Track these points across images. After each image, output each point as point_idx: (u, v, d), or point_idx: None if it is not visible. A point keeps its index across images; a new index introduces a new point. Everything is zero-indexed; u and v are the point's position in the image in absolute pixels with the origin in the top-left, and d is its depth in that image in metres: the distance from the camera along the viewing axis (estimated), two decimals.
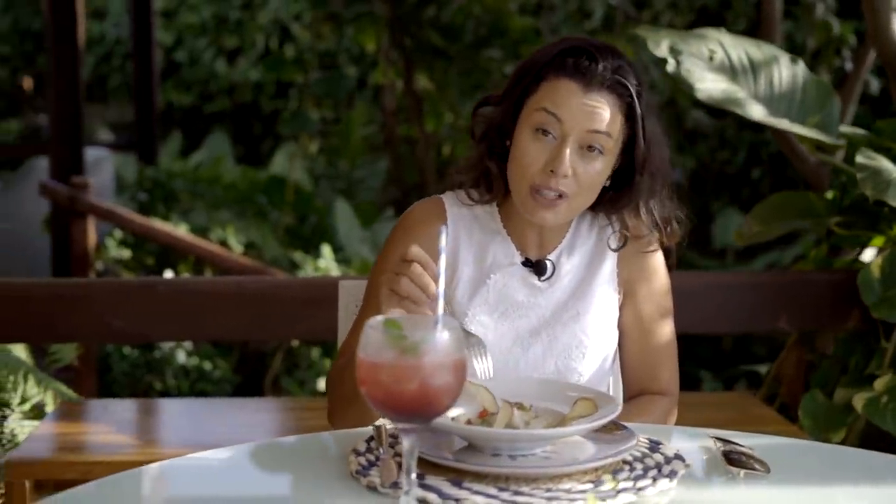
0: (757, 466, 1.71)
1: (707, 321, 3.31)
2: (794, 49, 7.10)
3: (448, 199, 2.20)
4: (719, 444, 1.80)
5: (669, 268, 2.27)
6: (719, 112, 7.44)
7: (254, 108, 12.33)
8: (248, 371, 6.03)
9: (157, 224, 5.97)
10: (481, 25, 7.61)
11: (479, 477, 1.65)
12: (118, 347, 5.82)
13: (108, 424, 3.14)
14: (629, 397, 2.26)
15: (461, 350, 1.49)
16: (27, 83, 13.60)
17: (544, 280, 2.16)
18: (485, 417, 1.78)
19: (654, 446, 1.80)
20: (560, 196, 2.04)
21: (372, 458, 1.73)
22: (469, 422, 1.78)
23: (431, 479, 1.64)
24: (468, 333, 1.90)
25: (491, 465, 1.66)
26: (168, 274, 5.92)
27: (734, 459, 1.73)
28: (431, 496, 1.58)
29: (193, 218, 6.79)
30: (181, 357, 5.74)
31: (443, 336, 1.47)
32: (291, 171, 7.83)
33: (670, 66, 3.09)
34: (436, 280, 1.75)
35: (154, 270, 6.12)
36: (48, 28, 6.57)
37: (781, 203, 3.39)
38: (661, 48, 3.12)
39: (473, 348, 1.87)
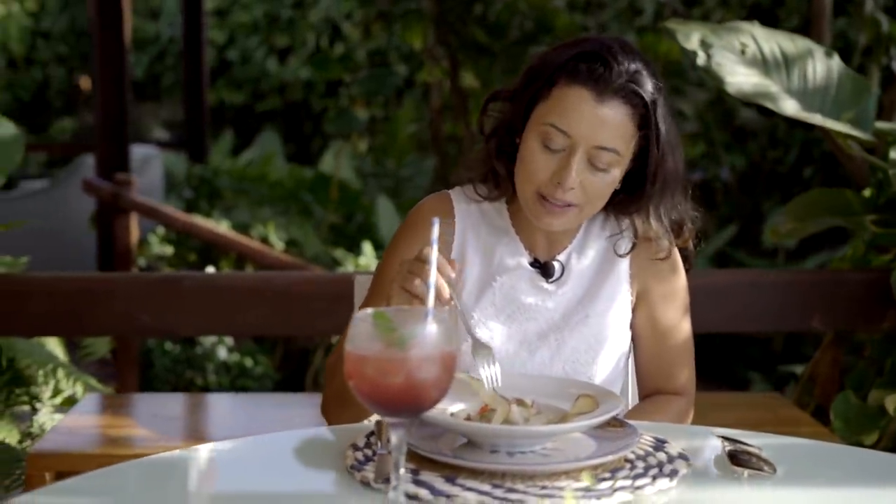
0: (762, 467, 1.67)
1: (738, 319, 3.25)
2: (847, 46, 6.99)
3: (456, 194, 2.16)
4: (726, 443, 1.75)
5: (688, 268, 2.22)
6: (770, 110, 7.35)
7: (304, 106, 12.36)
8: (292, 368, 6.04)
9: (199, 221, 5.99)
10: (526, 22, 7.56)
11: (476, 474, 1.62)
12: (160, 343, 5.85)
13: (134, 418, 3.14)
14: (644, 397, 2.22)
15: (450, 343, 1.46)
16: (84, 82, 13.73)
17: (552, 282, 2.12)
18: (485, 413, 1.75)
19: (659, 445, 1.76)
20: (567, 205, 1.99)
21: (369, 453, 1.71)
22: (468, 418, 1.75)
23: (426, 475, 1.62)
24: (477, 341, 1.85)
25: (487, 461, 1.64)
26: (209, 270, 5.94)
27: (740, 459, 1.69)
28: (423, 492, 1.56)
29: (236, 215, 6.81)
30: (222, 353, 5.76)
31: (430, 329, 1.45)
32: (337, 169, 7.83)
33: (700, 60, 3.04)
34: (449, 280, 1.72)
35: (196, 267, 6.15)
36: (95, 27, 6.61)
37: (818, 200, 3.33)
38: (692, 41, 3.07)
39: (480, 356, 1.83)
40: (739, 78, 3.05)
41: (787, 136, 8.41)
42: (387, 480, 1.58)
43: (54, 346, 3.99)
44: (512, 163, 2.05)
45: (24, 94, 13.38)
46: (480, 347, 1.83)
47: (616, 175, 2.00)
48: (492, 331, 2.07)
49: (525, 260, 2.11)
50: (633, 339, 2.18)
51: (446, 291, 1.77)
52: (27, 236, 7.48)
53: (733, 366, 6.82)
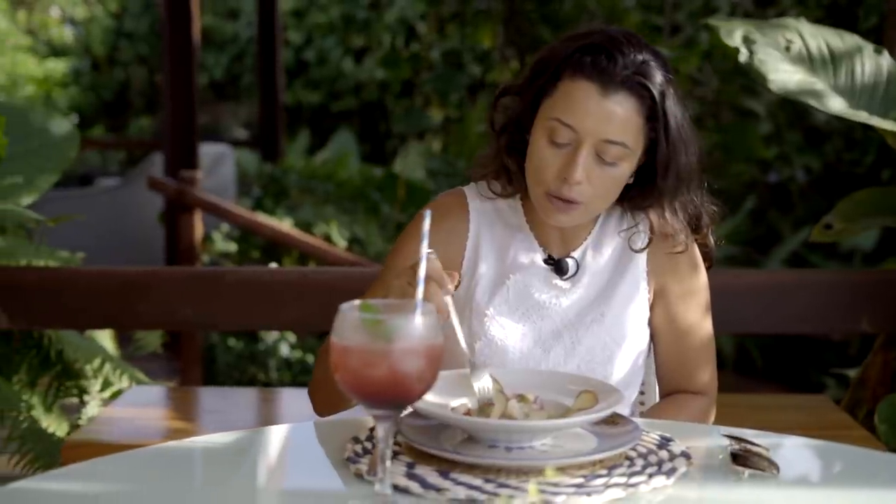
0: (764, 467, 1.64)
1: (784, 320, 3.19)
2: None
3: (471, 191, 2.14)
4: (732, 443, 1.73)
5: (709, 265, 2.19)
6: None
7: (380, 106, 12.42)
8: None
9: (262, 218, 6.04)
10: (595, 21, 7.53)
11: (471, 468, 1.61)
12: (223, 339, 5.92)
13: (174, 410, 3.18)
14: (664, 396, 2.19)
15: (436, 336, 1.46)
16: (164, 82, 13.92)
17: (567, 279, 2.10)
18: (484, 408, 1.74)
19: (663, 443, 1.74)
20: (575, 201, 1.97)
21: (368, 446, 1.71)
22: (468, 412, 1.74)
23: (421, 469, 1.62)
24: (473, 363, 1.82)
25: (484, 456, 1.62)
26: (272, 265, 5.99)
27: (742, 459, 1.66)
28: (414, 485, 1.56)
29: (301, 213, 6.86)
30: (285, 349, 5.81)
31: (416, 321, 1.44)
32: (404, 168, 7.86)
33: (743, 57, 3.00)
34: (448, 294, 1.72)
35: (259, 263, 6.20)
36: (164, 27, 6.70)
37: (866, 200, 3.26)
38: (735, 38, 3.03)
39: (476, 377, 1.81)
40: (783, 75, 3.00)
41: (865, 138, 8.27)
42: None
43: (106, 340, 4.06)
44: (523, 158, 2.03)
45: (106, 93, 13.61)
46: (476, 369, 1.80)
47: (625, 169, 1.98)
48: (505, 329, 2.05)
49: (539, 257, 2.09)
50: (652, 337, 2.15)
51: (446, 309, 1.73)
52: (101, 231, 7.64)
53: (807, 370, 6.73)
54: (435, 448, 1.63)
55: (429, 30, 11.42)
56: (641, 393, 2.33)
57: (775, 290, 3.18)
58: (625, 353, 2.07)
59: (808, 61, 3.08)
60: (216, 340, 5.90)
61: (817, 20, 8.36)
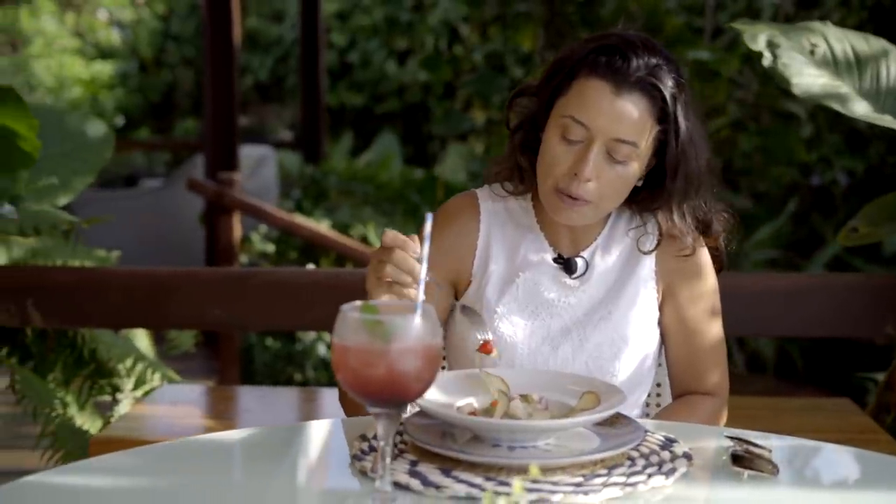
0: (765, 468, 1.66)
1: (809, 324, 3.19)
2: None
3: (483, 193, 2.19)
4: (734, 444, 1.74)
5: (719, 269, 2.21)
6: None
7: (422, 108, 12.47)
8: None
9: (300, 220, 6.10)
10: (636, 23, 7.52)
11: (473, 467, 1.63)
12: (261, 339, 5.98)
13: (202, 408, 3.23)
14: (676, 397, 2.21)
15: (433, 336, 1.49)
16: None
17: (576, 278, 2.12)
18: (489, 408, 1.77)
19: (667, 444, 1.76)
20: (584, 199, 2.00)
21: (375, 444, 1.74)
22: (473, 412, 1.77)
23: (423, 466, 1.65)
24: (468, 310, 1.86)
25: (487, 455, 1.65)
26: (310, 266, 6.04)
27: (742, 460, 1.68)
28: (414, 482, 1.58)
29: (340, 215, 6.91)
30: (322, 349, 5.86)
31: (414, 322, 1.47)
32: (446, 170, 7.90)
33: (766, 61, 3.00)
34: (419, 263, 1.75)
35: (297, 264, 6.26)
36: (205, 30, 6.77)
37: (892, 203, 3.26)
38: (759, 42, 3.03)
39: (474, 322, 1.85)
40: (807, 79, 3.01)
41: None
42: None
43: (142, 339, 4.12)
44: (536, 157, 2.07)
45: (153, 95, 13.75)
46: (475, 318, 1.84)
47: (634, 169, 2.01)
48: (515, 326, 2.09)
49: (549, 256, 2.13)
50: (662, 338, 2.17)
51: (418, 268, 1.75)
52: (143, 232, 7.74)
53: (849, 374, 6.71)
54: (438, 447, 1.66)
55: (471, 32, 11.46)
56: (658, 395, 2.35)
57: (800, 294, 3.18)
58: (632, 352, 2.09)
59: (833, 65, 3.08)
60: (254, 341, 5.95)
61: (861, 22, 8.32)
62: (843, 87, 3.06)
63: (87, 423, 3.59)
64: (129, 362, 3.60)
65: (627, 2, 7.59)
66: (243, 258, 6.14)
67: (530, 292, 2.11)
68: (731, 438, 1.76)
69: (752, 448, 1.71)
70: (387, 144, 11.78)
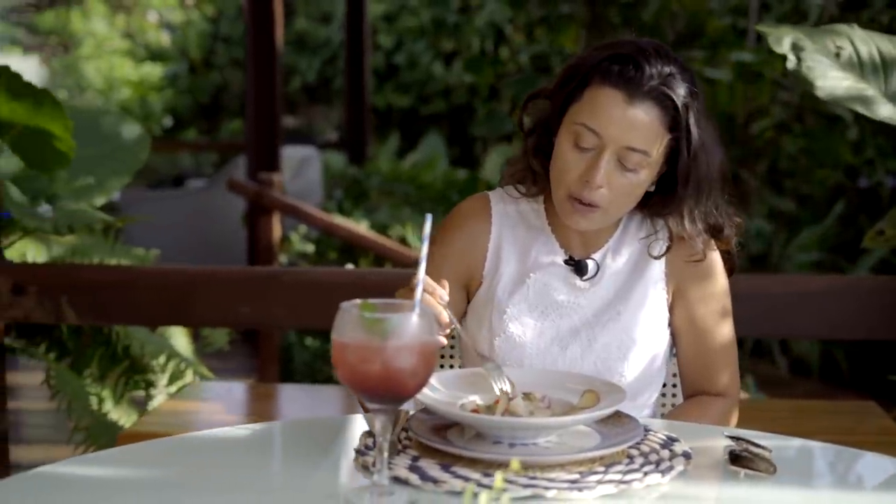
0: (762, 468, 1.68)
1: (833, 326, 3.19)
2: None
3: (495, 195, 2.22)
4: (734, 443, 1.76)
5: (731, 272, 2.22)
6: None
7: (468, 109, 12.50)
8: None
9: (339, 220, 6.15)
10: (678, 25, 7.51)
11: (473, 463, 1.66)
12: (300, 338, 6.04)
13: (229, 404, 3.28)
14: (687, 398, 2.23)
15: (430, 334, 1.52)
16: None
17: (586, 280, 2.15)
18: (491, 405, 1.80)
19: (668, 443, 1.78)
20: (594, 205, 2.02)
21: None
22: (476, 409, 1.80)
23: (424, 462, 1.68)
24: (483, 357, 1.89)
25: (487, 452, 1.68)
26: (349, 267, 6.10)
27: (740, 459, 1.70)
28: (413, 476, 1.62)
29: (379, 215, 6.96)
30: None
31: (411, 320, 1.51)
32: (491, 172, 7.92)
33: (790, 63, 3.00)
34: (443, 303, 1.80)
35: (336, 265, 6.31)
36: (248, 31, 6.84)
37: None
38: (784, 45, 3.04)
39: (490, 372, 1.87)
40: (831, 82, 3.00)
41: None
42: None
43: (179, 336, 4.18)
44: (548, 160, 2.10)
45: (202, 96, 13.89)
46: (490, 367, 1.86)
47: (645, 177, 2.03)
48: (525, 326, 2.11)
49: (560, 258, 2.15)
50: (673, 340, 2.19)
51: (445, 316, 1.80)
52: (188, 231, 7.83)
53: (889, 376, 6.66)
54: (439, 443, 1.69)
55: (517, 33, 11.48)
56: (674, 396, 2.37)
57: (824, 296, 3.18)
58: (640, 352, 2.11)
59: (859, 67, 3.08)
60: (293, 339, 6.01)
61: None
62: (869, 90, 3.05)
63: (123, 418, 3.66)
64: (162, 359, 3.66)
65: (670, 3, 7.58)
66: (283, 258, 6.20)
67: (540, 293, 2.13)
68: (732, 438, 1.78)
69: (751, 448, 1.73)
70: (432, 146, 11.83)
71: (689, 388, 2.22)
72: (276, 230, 5.96)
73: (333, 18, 13.44)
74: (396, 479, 1.61)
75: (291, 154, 8.95)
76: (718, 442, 1.83)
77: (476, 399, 1.84)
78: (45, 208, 3.50)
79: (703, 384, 2.20)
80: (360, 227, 6.32)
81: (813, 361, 7.30)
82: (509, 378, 1.86)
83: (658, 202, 2.11)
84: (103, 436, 3.43)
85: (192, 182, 9.64)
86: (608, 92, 1.99)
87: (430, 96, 12.74)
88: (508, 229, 2.18)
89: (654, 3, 7.64)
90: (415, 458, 1.70)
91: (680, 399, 2.33)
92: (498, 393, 1.82)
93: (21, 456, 4.07)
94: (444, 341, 1.87)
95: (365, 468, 1.67)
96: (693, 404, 2.19)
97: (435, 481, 1.60)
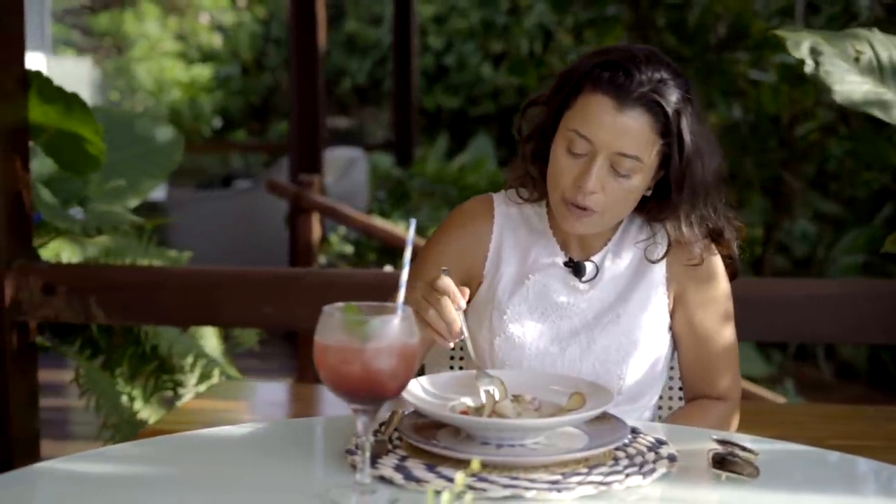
0: (744, 471, 1.69)
1: (853, 331, 3.19)
2: None
3: (499, 197, 2.25)
4: (719, 446, 1.78)
5: (733, 276, 2.24)
6: None
7: (517, 111, 12.45)
8: None
9: (377, 222, 6.19)
10: (721, 28, 7.49)
11: (459, 464, 1.69)
12: None
13: (253, 403, 3.34)
14: (688, 402, 2.25)
15: (410, 337, 1.56)
16: None
17: (585, 282, 2.17)
18: (480, 408, 1.83)
19: (655, 445, 1.80)
20: (589, 209, 2.05)
21: (371, 439, 1.81)
22: (465, 411, 1.83)
23: (411, 462, 1.71)
24: (480, 371, 1.92)
25: (472, 452, 1.70)
26: (387, 269, 6.14)
27: (723, 462, 1.71)
28: (397, 476, 1.65)
29: (419, 216, 7.00)
30: None
31: (390, 323, 1.55)
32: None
33: (808, 68, 3.00)
34: (460, 308, 1.85)
35: (375, 266, 6.36)
36: (292, 34, 6.91)
37: None
38: (802, 50, 3.03)
39: (478, 375, 1.90)
40: (849, 86, 2.99)
41: None
42: (372, 465, 1.69)
43: (210, 336, 4.25)
44: (546, 166, 2.12)
45: (255, 98, 14.01)
46: (484, 380, 1.89)
47: (639, 182, 2.05)
48: (524, 327, 2.14)
49: (559, 260, 2.18)
50: (674, 344, 2.21)
51: (458, 324, 1.85)
52: (234, 232, 7.91)
53: None
54: (425, 443, 1.73)
55: (565, 35, 11.48)
56: (678, 399, 2.39)
57: (843, 300, 3.18)
58: (640, 356, 2.13)
59: (878, 71, 3.07)
60: None
61: None
62: (888, 94, 3.04)
63: (152, 416, 3.72)
64: (190, 359, 3.72)
65: (714, 5, 7.56)
66: (322, 259, 6.26)
67: (540, 294, 2.16)
68: (720, 441, 1.79)
69: (738, 451, 1.74)
70: (481, 147, 11.85)
71: (689, 392, 2.24)
72: (316, 231, 6.02)
73: (383, 20, 13.51)
74: (382, 479, 1.65)
75: (338, 155, 9.03)
76: (706, 445, 1.85)
77: (467, 401, 1.87)
78: (76, 210, 3.57)
79: (703, 388, 2.21)
80: (399, 228, 6.36)
81: (859, 365, 7.26)
82: (503, 381, 1.89)
83: (655, 207, 2.13)
84: (131, 433, 3.50)
85: (239, 183, 9.74)
86: (598, 99, 2.02)
87: (479, 98, 12.78)
88: (510, 230, 2.21)
89: (698, 5, 7.63)
90: (402, 458, 1.73)
91: (681, 402, 2.34)
92: (483, 395, 1.85)
93: (52, 452, 4.15)
94: (451, 345, 1.91)
95: (353, 467, 1.71)
96: (693, 408, 2.21)
97: (418, 481, 1.64)
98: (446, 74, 12.95)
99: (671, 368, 2.31)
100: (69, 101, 3.39)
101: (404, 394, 1.79)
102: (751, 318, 3.13)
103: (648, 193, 2.11)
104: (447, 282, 1.87)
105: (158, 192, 9.30)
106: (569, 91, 2.07)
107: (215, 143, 11.98)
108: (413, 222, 1.68)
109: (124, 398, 3.68)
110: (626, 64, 2.01)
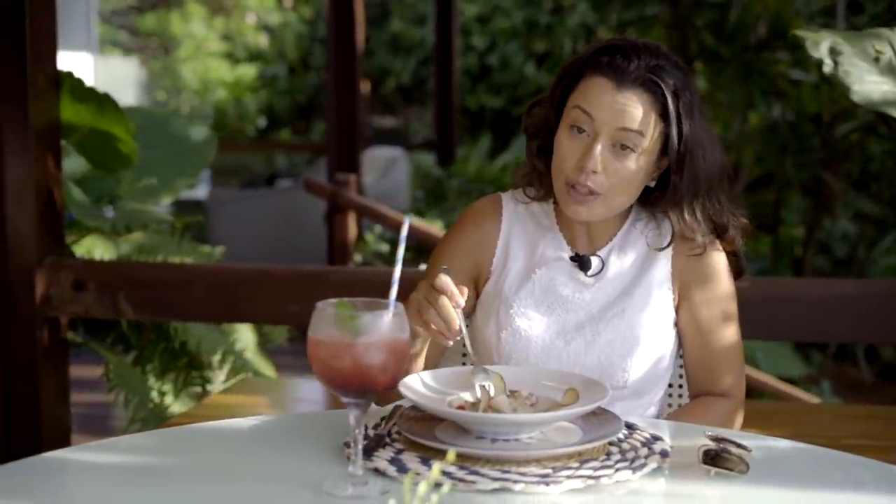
0: (734, 466, 1.71)
1: (872, 330, 3.19)
2: None
3: (507, 195, 2.29)
4: (711, 443, 1.80)
5: (739, 273, 2.26)
6: None
7: None
8: None
9: (412, 220, 6.24)
10: (760, 28, 7.47)
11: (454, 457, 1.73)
12: None
13: (277, 398, 3.39)
14: (692, 398, 2.28)
15: (400, 332, 1.60)
16: (364, 85, 14.34)
17: (591, 276, 2.20)
18: (476, 402, 1.86)
19: (650, 441, 1.83)
20: (592, 192, 2.08)
21: (371, 433, 1.85)
22: (462, 406, 1.87)
23: (406, 455, 1.75)
24: (477, 367, 1.96)
25: (467, 446, 1.74)
26: (422, 268, 6.18)
27: (713, 458, 1.74)
28: (391, 468, 1.69)
29: (455, 216, 7.04)
30: None
31: (381, 318, 1.59)
32: None
33: (827, 68, 3.00)
34: (458, 307, 1.90)
35: (411, 265, 6.40)
36: (330, 34, 6.97)
37: None
38: (821, 50, 3.04)
39: (475, 370, 1.94)
40: (868, 86, 3.00)
41: None
42: (368, 458, 1.73)
43: (245, 333, 4.31)
44: (551, 159, 2.17)
45: (301, 97, 14.11)
46: (479, 372, 1.93)
47: (641, 164, 2.08)
48: (531, 320, 2.18)
49: (566, 254, 2.22)
50: (680, 340, 2.24)
51: (456, 322, 1.90)
52: (276, 230, 7.99)
53: None
54: (422, 437, 1.77)
55: (608, 34, 11.48)
56: (681, 396, 2.41)
57: (863, 300, 3.18)
58: (644, 351, 2.16)
59: None
60: None
61: None
62: None
63: (183, 411, 3.78)
64: (218, 355, 3.78)
65: (754, 5, 7.54)
66: (358, 257, 6.31)
67: (546, 288, 2.20)
68: (713, 438, 1.82)
69: (730, 448, 1.77)
70: (523, 147, 11.84)
71: (694, 389, 2.27)
72: (352, 230, 6.08)
73: (427, 19, 13.57)
74: (377, 471, 1.69)
75: (378, 155, 9.10)
76: (697, 441, 1.87)
77: (466, 396, 1.91)
78: (108, 208, 3.64)
79: (707, 385, 2.24)
80: (434, 227, 6.40)
81: None
82: (502, 376, 1.93)
83: (658, 198, 2.16)
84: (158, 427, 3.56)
85: (281, 182, 9.83)
86: (598, 80, 2.07)
87: (523, 97, 12.79)
88: (518, 226, 2.26)
89: (737, 4, 7.61)
90: (399, 452, 1.77)
91: (687, 398, 2.36)
92: (478, 390, 1.89)
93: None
94: (450, 343, 1.96)
95: (349, 459, 1.75)
96: (697, 405, 2.23)
97: (409, 472, 1.67)
98: (489, 74, 12.99)
99: (680, 366, 2.33)
100: (101, 100, 3.47)
101: (403, 389, 1.83)
102: (770, 318, 3.15)
103: (652, 184, 2.15)
104: (445, 281, 1.91)
105: (201, 191, 9.41)
106: (570, 79, 2.12)
107: (259, 143, 12.08)
108: (407, 220, 1.72)
109: (154, 393, 3.74)
110: (626, 49, 2.08)
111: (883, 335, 3.24)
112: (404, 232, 1.71)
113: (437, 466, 1.37)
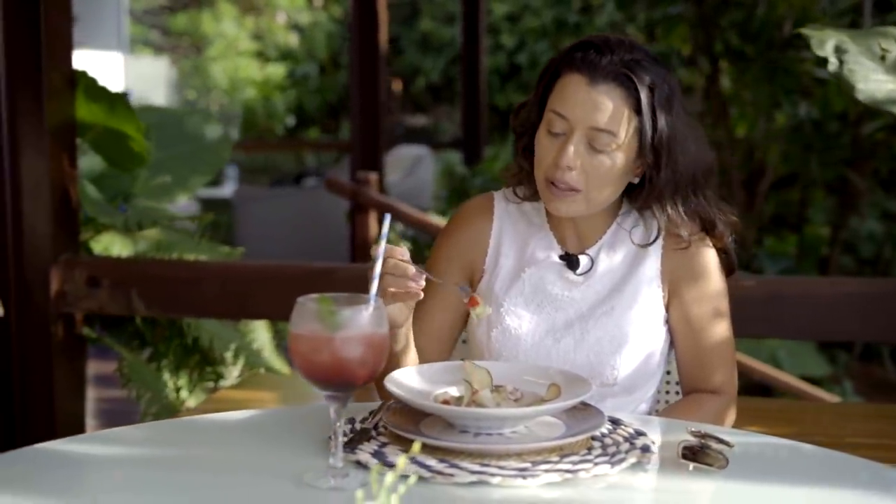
0: (714, 461, 1.73)
1: (882, 330, 3.19)
2: None
3: (499, 194, 2.32)
4: (693, 438, 1.81)
5: (730, 271, 2.27)
6: None
7: None
8: None
9: (432, 219, 6.26)
10: (785, 27, 7.44)
11: (434, 450, 1.74)
12: None
13: (285, 393, 3.43)
14: (684, 395, 2.29)
15: (379, 326, 1.62)
16: (396, 84, 14.40)
17: (580, 274, 2.22)
18: (461, 398, 1.89)
19: (633, 436, 1.84)
20: (572, 189, 2.10)
21: (358, 427, 1.87)
22: (447, 400, 1.89)
23: (389, 448, 1.77)
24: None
25: (449, 440, 1.76)
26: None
27: (692, 453, 1.75)
28: (373, 461, 1.71)
29: None
30: None
31: (359, 313, 1.61)
32: None
33: (832, 67, 3.00)
34: (405, 259, 1.89)
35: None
36: (353, 34, 7.01)
37: None
38: (826, 48, 3.04)
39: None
40: (873, 84, 2.99)
41: None
42: (351, 451, 1.76)
43: (262, 330, 4.35)
44: None
45: (331, 96, 14.17)
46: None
47: (619, 160, 2.10)
48: (521, 319, 2.20)
49: (555, 253, 2.24)
50: (671, 337, 2.25)
51: (410, 268, 1.90)
52: (300, 228, 8.04)
53: None
54: (405, 431, 1.79)
55: (637, 33, 11.45)
56: (675, 393, 2.42)
57: (873, 299, 3.18)
58: (634, 348, 2.18)
59: None
60: None
61: None
62: None
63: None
64: (231, 351, 3.82)
65: (779, 4, 7.52)
66: None
67: (536, 287, 2.22)
68: (695, 434, 1.83)
69: (711, 443, 1.78)
70: None
71: (685, 386, 2.28)
72: (374, 228, 6.11)
73: (456, 18, 13.60)
74: (358, 463, 1.71)
75: (404, 153, 9.13)
76: (679, 436, 1.88)
77: (452, 391, 1.93)
78: (123, 206, 3.69)
79: (698, 382, 2.25)
80: None
81: None
82: (489, 371, 1.95)
83: (639, 192, 2.18)
84: None
85: (308, 180, 9.88)
86: (573, 77, 2.09)
87: None
88: (510, 225, 2.28)
89: (763, 3, 7.59)
90: (382, 445, 1.79)
91: (678, 395, 2.38)
92: (465, 295, 1.92)
93: None
94: (421, 294, 1.94)
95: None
96: (689, 402, 2.24)
97: (392, 466, 1.70)
98: (518, 73, 13.01)
99: (669, 363, 2.34)
100: (113, 100, 3.51)
101: (388, 383, 1.86)
102: (776, 316, 3.15)
103: (636, 181, 2.16)
104: (375, 247, 1.88)
105: (227, 189, 9.48)
106: (549, 79, 2.14)
107: (287, 142, 12.15)
108: (387, 217, 1.75)
109: (169, 389, 3.79)
110: (599, 44, 2.10)
111: (890, 334, 3.24)
112: (385, 229, 1.74)
113: (402, 458, 1.40)
